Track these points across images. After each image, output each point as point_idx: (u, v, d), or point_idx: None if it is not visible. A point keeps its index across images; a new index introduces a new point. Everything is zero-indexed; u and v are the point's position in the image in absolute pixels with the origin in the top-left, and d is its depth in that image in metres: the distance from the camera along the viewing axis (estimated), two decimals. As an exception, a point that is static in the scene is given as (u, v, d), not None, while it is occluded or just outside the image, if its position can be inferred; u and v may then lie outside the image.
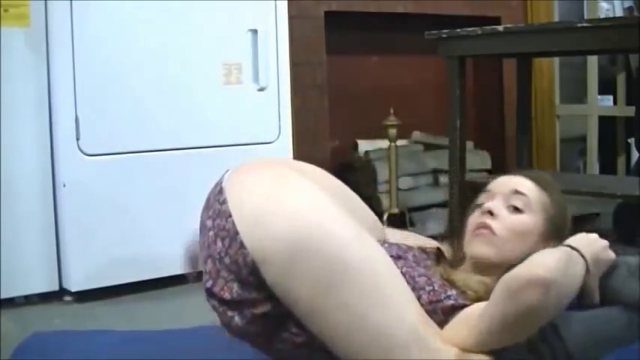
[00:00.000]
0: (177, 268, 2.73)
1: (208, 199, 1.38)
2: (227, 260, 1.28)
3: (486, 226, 1.44)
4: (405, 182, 3.89)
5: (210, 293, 1.32)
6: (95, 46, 2.70)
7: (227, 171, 1.41)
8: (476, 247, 1.45)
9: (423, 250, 1.55)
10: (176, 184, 2.81)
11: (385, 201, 3.78)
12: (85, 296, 2.72)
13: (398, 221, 3.71)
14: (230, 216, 1.28)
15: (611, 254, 1.37)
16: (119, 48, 2.75)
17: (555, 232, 1.48)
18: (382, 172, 3.80)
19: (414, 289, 1.32)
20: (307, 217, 1.25)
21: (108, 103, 2.73)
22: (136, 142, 2.80)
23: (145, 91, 2.80)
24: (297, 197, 1.29)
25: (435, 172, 4.02)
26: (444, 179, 3.87)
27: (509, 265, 1.35)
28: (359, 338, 1.22)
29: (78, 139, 2.69)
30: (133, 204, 2.79)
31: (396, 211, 3.71)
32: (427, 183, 4.03)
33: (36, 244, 2.72)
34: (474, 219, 1.49)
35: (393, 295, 1.25)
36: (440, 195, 3.89)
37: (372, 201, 3.84)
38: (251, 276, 1.26)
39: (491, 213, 1.45)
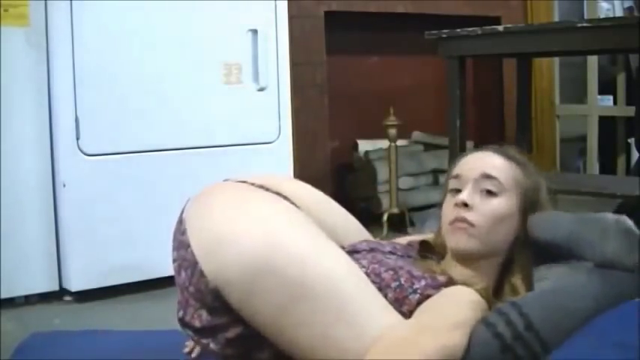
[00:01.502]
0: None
1: (174, 230, 1.38)
2: (192, 289, 1.28)
3: (464, 220, 1.41)
4: (405, 182, 3.90)
5: (182, 323, 1.33)
6: (95, 46, 2.69)
7: (188, 200, 1.41)
8: (456, 241, 1.42)
9: (409, 243, 1.54)
10: (176, 184, 2.81)
11: (385, 201, 3.78)
12: (85, 296, 2.72)
13: (398, 221, 3.72)
14: (189, 246, 1.29)
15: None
16: (119, 48, 2.74)
17: (532, 207, 1.45)
18: (382, 172, 3.80)
19: (379, 288, 1.31)
20: (260, 240, 1.24)
21: (108, 103, 2.73)
22: (136, 142, 2.80)
23: (145, 91, 2.80)
24: (250, 221, 1.27)
25: (435, 172, 4.02)
26: (443, 179, 3.87)
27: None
28: (324, 355, 1.22)
29: (78, 139, 2.69)
30: (132, 204, 2.79)
31: (396, 211, 3.71)
32: (427, 183, 4.04)
33: (36, 244, 2.72)
34: (448, 209, 1.46)
35: (354, 309, 1.23)
36: (440, 195, 3.89)
37: (372, 201, 3.84)
38: (216, 302, 1.26)
39: (465, 205, 1.41)
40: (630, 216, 1.41)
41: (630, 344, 1.33)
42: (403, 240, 1.60)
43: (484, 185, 1.42)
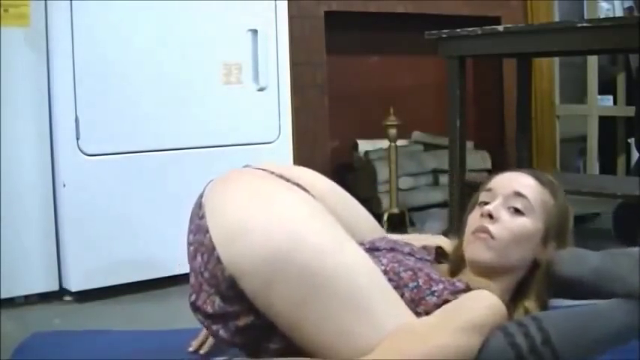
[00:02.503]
0: (176, 268, 2.74)
1: (191, 212, 1.37)
2: (207, 275, 1.28)
3: (485, 230, 1.41)
4: (405, 182, 3.89)
5: (194, 307, 1.32)
6: (95, 46, 2.69)
7: (209, 182, 1.40)
8: (474, 250, 1.43)
9: (424, 247, 1.55)
10: (176, 185, 2.81)
11: (385, 201, 3.78)
12: (85, 296, 2.72)
13: (398, 221, 3.72)
14: (207, 231, 1.28)
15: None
16: (119, 48, 2.74)
17: (556, 235, 1.46)
18: (382, 172, 3.80)
19: (397, 287, 1.32)
20: (282, 230, 1.24)
21: (108, 103, 2.73)
22: (136, 142, 2.80)
23: (145, 91, 2.80)
24: (272, 210, 1.27)
25: (435, 172, 4.02)
26: (444, 179, 3.88)
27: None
28: (340, 349, 1.22)
29: (78, 139, 2.69)
30: (132, 204, 2.79)
31: (396, 211, 3.71)
32: (427, 183, 4.03)
33: (36, 244, 2.72)
34: (473, 219, 1.46)
35: (373, 305, 1.23)
36: (440, 195, 3.89)
37: (372, 201, 3.84)
38: (230, 290, 1.26)
39: (491, 216, 1.42)
40: (631, 216, 1.42)
41: (630, 344, 1.33)
42: (416, 241, 1.60)
43: (513, 203, 1.43)
